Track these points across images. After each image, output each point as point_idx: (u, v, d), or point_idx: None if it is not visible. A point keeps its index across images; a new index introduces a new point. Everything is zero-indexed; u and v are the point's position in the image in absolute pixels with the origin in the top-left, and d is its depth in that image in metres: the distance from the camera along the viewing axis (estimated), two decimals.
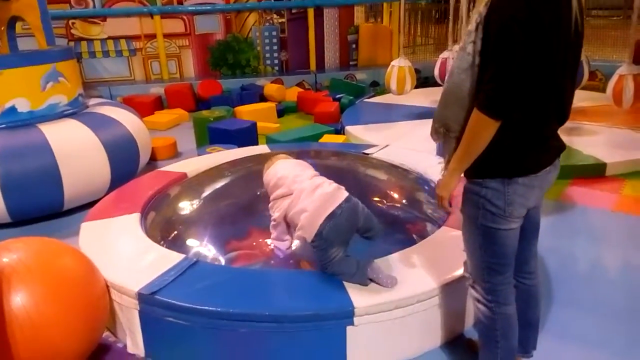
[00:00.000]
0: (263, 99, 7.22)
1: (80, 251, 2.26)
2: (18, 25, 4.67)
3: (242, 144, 4.31)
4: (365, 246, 2.26)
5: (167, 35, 7.77)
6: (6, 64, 3.71)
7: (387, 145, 3.85)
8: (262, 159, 3.47)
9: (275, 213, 2.27)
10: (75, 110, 4.11)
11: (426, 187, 3.11)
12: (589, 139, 4.74)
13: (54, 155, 3.49)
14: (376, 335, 2.00)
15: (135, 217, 2.74)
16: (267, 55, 8.24)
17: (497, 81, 1.43)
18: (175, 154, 5.10)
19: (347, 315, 1.93)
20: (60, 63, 3.98)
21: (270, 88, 7.33)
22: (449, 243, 2.32)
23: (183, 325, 2.00)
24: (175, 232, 2.75)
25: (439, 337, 2.16)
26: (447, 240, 2.37)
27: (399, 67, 5.66)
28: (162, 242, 2.54)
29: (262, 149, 3.97)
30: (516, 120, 1.48)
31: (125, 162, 4.02)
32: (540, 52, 1.42)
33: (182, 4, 7.79)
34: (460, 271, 2.01)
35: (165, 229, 2.76)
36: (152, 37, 7.74)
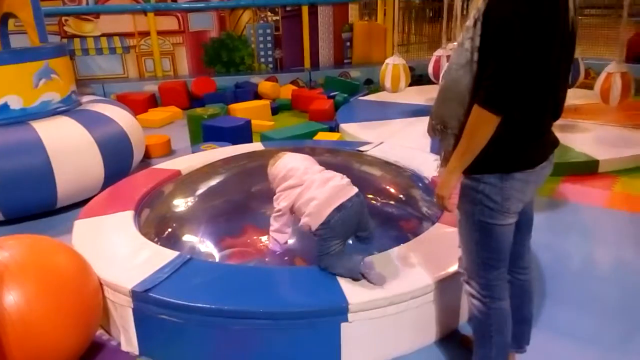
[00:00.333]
0: (257, 96, 7.20)
1: (74, 249, 2.26)
2: (10, 22, 4.64)
3: (236, 141, 4.30)
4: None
5: (160, 33, 7.73)
6: None
7: (381, 143, 3.85)
8: (256, 157, 3.49)
9: (282, 203, 2.28)
10: (68, 108, 4.08)
11: (420, 184, 3.12)
12: (582, 136, 4.77)
13: (47, 152, 3.47)
14: (370, 332, 2.01)
15: (129, 214, 2.73)
16: (262, 52, 8.22)
17: (498, 76, 1.42)
18: (169, 152, 5.08)
19: (341, 311, 1.93)
20: (52, 60, 3.94)
21: (265, 86, 7.31)
22: (443, 239, 2.33)
23: (177, 323, 2.00)
24: (169, 229, 2.75)
25: (433, 333, 2.17)
26: (442, 236, 2.38)
27: (393, 64, 5.67)
28: (155, 240, 2.53)
29: (256, 146, 3.96)
30: (515, 115, 1.49)
31: (118, 160, 4.00)
32: (540, 47, 1.43)
33: (176, 1, 7.76)
34: (454, 267, 2.02)
35: (159, 227, 2.75)
36: (145, 34, 7.70)
